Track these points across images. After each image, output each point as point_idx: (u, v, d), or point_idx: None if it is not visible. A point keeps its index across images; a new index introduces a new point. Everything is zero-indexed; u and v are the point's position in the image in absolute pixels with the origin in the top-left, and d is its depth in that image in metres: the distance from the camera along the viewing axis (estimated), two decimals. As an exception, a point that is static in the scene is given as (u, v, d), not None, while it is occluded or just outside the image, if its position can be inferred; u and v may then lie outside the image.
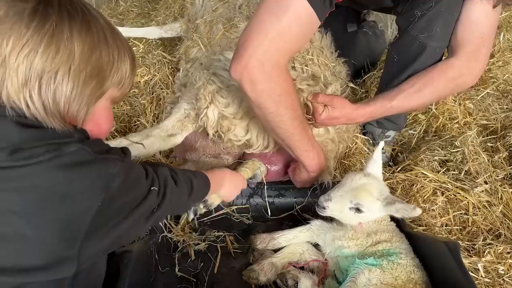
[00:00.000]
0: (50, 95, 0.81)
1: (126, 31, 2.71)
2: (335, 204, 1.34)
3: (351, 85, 2.02)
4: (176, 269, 1.42)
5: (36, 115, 0.81)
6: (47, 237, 0.78)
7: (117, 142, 1.69)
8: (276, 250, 1.45)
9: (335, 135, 1.76)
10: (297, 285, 1.30)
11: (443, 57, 1.71)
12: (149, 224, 0.98)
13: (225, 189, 1.38)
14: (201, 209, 1.42)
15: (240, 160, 1.73)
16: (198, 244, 1.50)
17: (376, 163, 1.42)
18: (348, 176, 1.39)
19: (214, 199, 1.41)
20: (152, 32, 2.73)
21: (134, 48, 2.60)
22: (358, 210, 1.32)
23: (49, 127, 0.83)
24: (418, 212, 1.25)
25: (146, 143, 1.72)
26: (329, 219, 1.45)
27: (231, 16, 2.15)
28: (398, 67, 1.78)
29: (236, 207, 1.66)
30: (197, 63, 2.04)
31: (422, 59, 1.69)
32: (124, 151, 0.93)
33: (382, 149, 1.52)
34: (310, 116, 1.61)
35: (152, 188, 0.95)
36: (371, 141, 2.04)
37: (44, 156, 0.77)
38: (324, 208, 1.35)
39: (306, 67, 1.79)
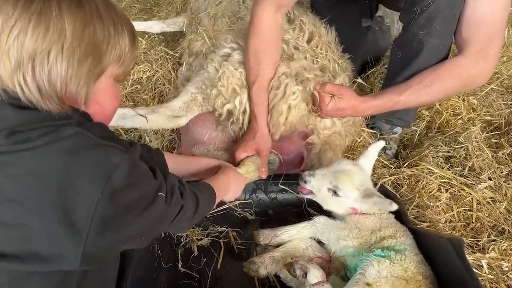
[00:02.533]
0: (45, 77, 0.78)
1: None
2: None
3: (359, 80, 2.01)
4: (179, 265, 1.42)
5: (31, 99, 0.78)
6: (48, 226, 0.75)
7: (124, 111, 1.69)
8: (279, 246, 1.44)
9: (342, 129, 1.75)
10: (305, 276, 1.28)
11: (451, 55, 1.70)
12: (154, 234, 0.93)
13: (230, 195, 1.36)
14: None
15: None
16: (201, 239, 1.50)
17: (369, 157, 1.44)
18: (338, 160, 1.44)
19: None
20: (155, 26, 2.71)
21: (136, 44, 2.59)
22: (335, 193, 1.35)
23: (44, 110, 0.79)
24: (394, 207, 1.28)
25: (150, 118, 1.73)
26: (333, 217, 1.44)
27: (235, 10, 2.15)
28: (401, 64, 1.77)
29: (239, 202, 1.65)
30: (201, 56, 2.03)
31: (424, 56, 1.67)
32: (132, 143, 0.88)
33: (385, 146, 1.51)
34: (316, 107, 1.60)
35: (159, 193, 0.90)
36: (378, 135, 2.03)
37: (42, 139, 0.75)
38: (305, 182, 1.41)
39: (317, 59, 1.80)
